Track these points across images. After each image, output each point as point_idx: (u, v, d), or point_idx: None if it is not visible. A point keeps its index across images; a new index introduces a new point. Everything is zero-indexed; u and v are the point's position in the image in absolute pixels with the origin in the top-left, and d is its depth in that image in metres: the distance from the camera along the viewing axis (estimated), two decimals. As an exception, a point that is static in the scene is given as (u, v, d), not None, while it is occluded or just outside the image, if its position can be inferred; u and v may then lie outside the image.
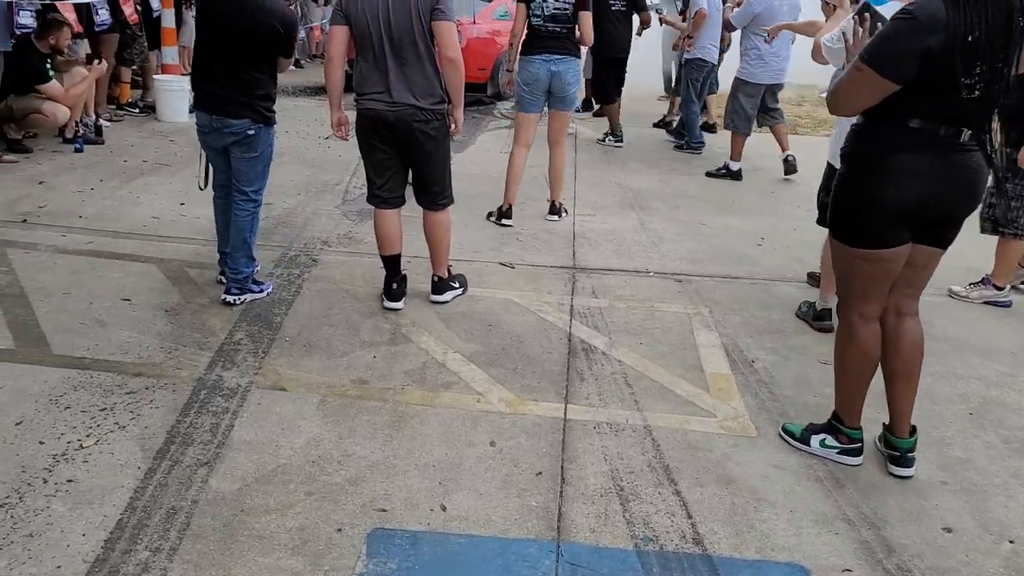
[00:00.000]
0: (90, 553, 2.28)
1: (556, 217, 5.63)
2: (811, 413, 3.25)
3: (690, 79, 8.00)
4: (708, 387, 3.46)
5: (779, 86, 7.34)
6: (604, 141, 8.28)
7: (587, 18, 5.26)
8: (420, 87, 3.71)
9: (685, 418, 3.21)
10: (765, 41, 6.59)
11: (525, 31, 5.34)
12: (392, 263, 4.00)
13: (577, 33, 5.28)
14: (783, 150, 7.34)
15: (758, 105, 7.13)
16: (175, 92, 7.58)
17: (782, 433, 3.11)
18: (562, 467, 2.84)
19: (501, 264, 4.72)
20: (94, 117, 7.02)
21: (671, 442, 3.03)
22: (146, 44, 8.18)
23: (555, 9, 5.20)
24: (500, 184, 6.13)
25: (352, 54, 3.79)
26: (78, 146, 6.46)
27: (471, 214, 5.50)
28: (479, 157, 7.37)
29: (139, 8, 7.77)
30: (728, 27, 7.43)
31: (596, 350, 3.72)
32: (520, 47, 5.39)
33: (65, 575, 2.20)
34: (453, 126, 3.89)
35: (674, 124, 8.93)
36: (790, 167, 7.22)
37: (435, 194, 3.97)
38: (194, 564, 2.27)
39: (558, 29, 5.24)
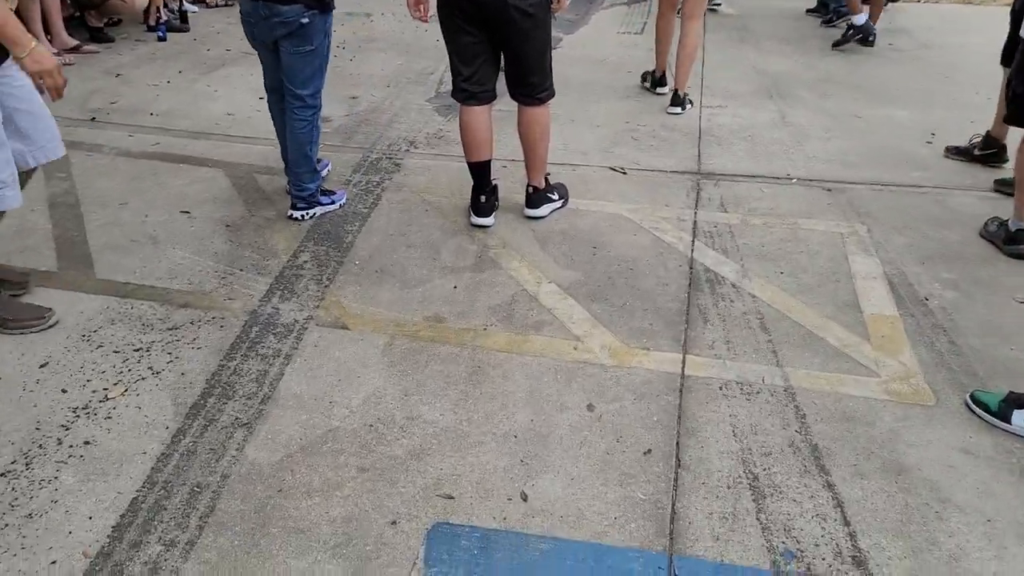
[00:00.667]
0: (93, 544, 1.88)
1: (679, 109, 4.80)
2: (1009, 373, 2.52)
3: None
4: (868, 334, 2.74)
5: None
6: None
7: None
8: (514, -49, 2.98)
9: (839, 377, 2.52)
10: None
11: None
12: (481, 171, 3.38)
13: None
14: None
15: None
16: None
17: (971, 403, 2.38)
18: (678, 444, 2.24)
19: (611, 169, 4.01)
20: (179, 2, 6.56)
21: (821, 411, 2.37)
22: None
23: None
24: (616, 70, 5.46)
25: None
26: (161, 34, 6.03)
27: (578, 106, 4.77)
28: (592, 39, 6.51)
29: None
30: None
31: (724, 281, 3.04)
32: None
33: (59, 574, 1.81)
34: (557, 1, 3.16)
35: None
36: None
37: (533, 86, 3.28)
38: (212, 566, 1.84)
39: None
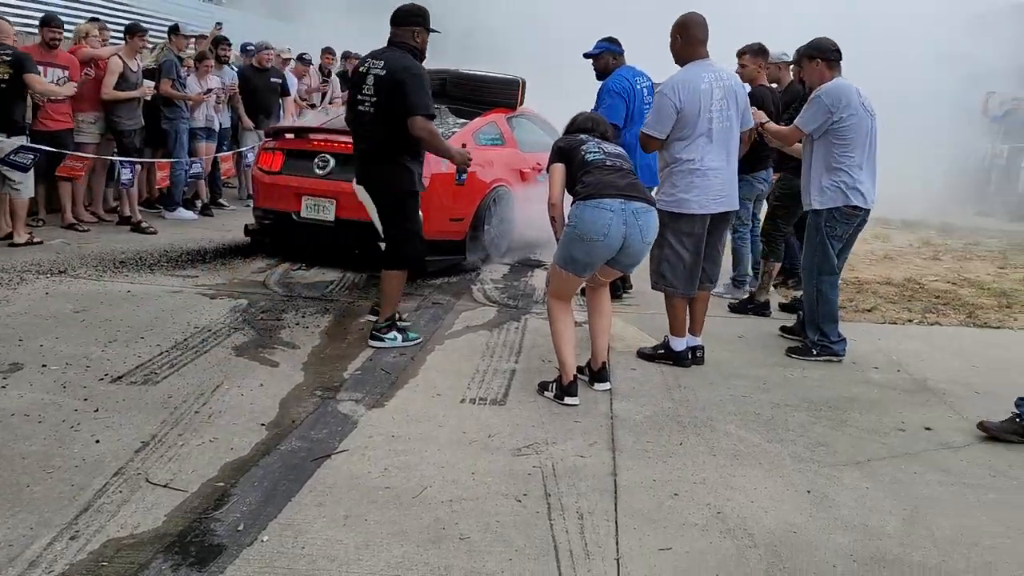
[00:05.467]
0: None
1: (608, 384, 3.90)
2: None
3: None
4: None
5: None
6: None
7: None
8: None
9: None
10: None
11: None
12: None
13: None
14: None
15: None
16: None
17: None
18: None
19: None
20: None
21: None
22: None
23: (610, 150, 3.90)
24: (437, 545, 2.43)
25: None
26: None
27: None
28: (413, 424, 3.51)
29: None
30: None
31: None
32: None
33: None
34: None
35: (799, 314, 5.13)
36: None
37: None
38: None
39: (626, 167, 3.83)
